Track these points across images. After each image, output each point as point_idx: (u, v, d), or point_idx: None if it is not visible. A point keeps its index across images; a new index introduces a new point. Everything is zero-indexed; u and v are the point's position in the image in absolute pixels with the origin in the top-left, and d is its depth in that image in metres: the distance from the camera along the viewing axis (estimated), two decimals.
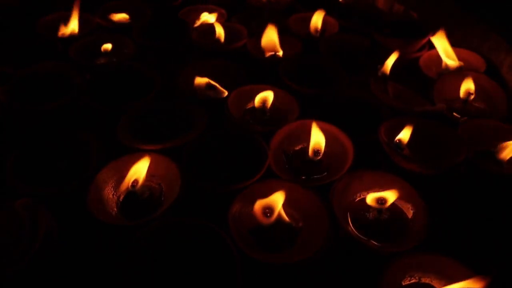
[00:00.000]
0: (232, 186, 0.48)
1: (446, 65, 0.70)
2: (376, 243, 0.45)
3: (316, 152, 0.53)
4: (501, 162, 0.54)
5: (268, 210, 0.46)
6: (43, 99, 0.62)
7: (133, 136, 0.57)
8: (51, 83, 0.67)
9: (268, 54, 0.73)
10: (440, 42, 0.70)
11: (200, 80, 0.63)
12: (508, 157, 0.53)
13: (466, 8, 0.71)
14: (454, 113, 0.63)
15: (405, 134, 0.53)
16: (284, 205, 0.46)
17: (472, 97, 0.63)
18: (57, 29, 0.79)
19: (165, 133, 0.59)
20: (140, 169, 0.51)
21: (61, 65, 0.69)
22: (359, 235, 0.46)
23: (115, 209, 0.50)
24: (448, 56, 0.70)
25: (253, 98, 0.62)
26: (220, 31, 0.77)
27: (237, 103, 0.62)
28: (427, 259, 0.42)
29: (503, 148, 0.53)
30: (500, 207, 0.51)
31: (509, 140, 0.53)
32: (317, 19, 0.80)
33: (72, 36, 0.77)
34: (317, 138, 0.53)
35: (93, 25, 0.81)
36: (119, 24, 0.82)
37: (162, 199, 0.51)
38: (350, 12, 0.88)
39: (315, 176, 0.54)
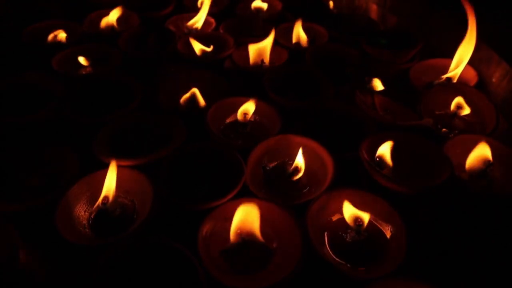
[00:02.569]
0: (205, 204, 0.47)
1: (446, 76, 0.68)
2: (351, 266, 0.43)
3: (296, 169, 0.51)
4: (488, 181, 0.52)
5: (241, 230, 0.44)
6: (22, 111, 0.61)
7: (110, 150, 0.55)
8: (32, 94, 0.66)
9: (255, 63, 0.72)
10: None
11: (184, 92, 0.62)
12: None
13: (458, 20, 0.69)
14: (441, 128, 0.61)
15: (385, 152, 0.51)
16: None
17: (461, 111, 0.61)
18: (44, 37, 0.78)
19: (143, 147, 0.57)
20: (109, 183, 0.49)
21: (42, 75, 0.68)
22: (334, 257, 0.44)
23: (87, 226, 0.49)
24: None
25: (234, 111, 0.61)
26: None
27: (218, 116, 0.61)
28: (402, 286, 0.40)
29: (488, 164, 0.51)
30: (485, 230, 0.49)
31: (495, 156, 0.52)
32: (297, 30, 0.78)
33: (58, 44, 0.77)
34: (299, 159, 0.51)
35: (79, 34, 0.80)
36: (106, 33, 0.81)
37: (135, 216, 0.50)
38: (341, 22, 0.86)
39: (294, 193, 0.52)
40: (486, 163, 0.52)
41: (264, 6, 0.90)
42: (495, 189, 0.52)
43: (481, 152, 0.53)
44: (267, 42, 0.70)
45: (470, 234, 0.48)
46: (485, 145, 0.53)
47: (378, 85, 0.66)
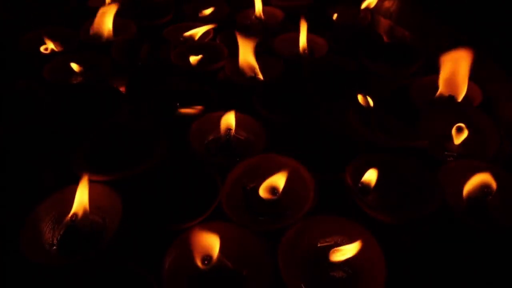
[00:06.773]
0: (173, 226, 0.44)
1: (440, 94, 0.64)
2: None
3: (273, 190, 0.48)
4: (484, 211, 0.47)
5: (207, 256, 0.42)
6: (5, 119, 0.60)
7: (88, 163, 0.54)
8: (20, 103, 0.65)
9: (248, 74, 0.69)
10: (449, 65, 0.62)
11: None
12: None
13: (466, 35, 0.65)
14: (442, 151, 0.57)
15: (370, 177, 0.47)
16: (229, 250, 0.42)
17: (460, 135, 0.57)
18: (41, 45, 0.78)
19: (122, 161, 0.55)
20: (80, 199, 0.47)
21: (32, 83, 0.67)
22: None
23: (54, 244, 0.47)
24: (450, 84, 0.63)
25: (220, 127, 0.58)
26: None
27: (202, 132, 0.58)
28: None
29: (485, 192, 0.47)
30: (478, 266, 0.44)
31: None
32: (303, 40, 0.75)
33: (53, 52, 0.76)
34: (273, 177, 0.48)
35: (75, 42, 0.79)
36: (102, 41, 0.80)
37: (105, 234, 0.48)
38: (343, 34, 0.82)
39: (273, 217, 0.49)
40: (486, 192, 0.48)
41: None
42: (493, 221, 0.47)
43: (481, 179, 0.49)
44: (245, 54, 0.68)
45: (460, 270, 0.44)
46: (487, 172, 0.49)
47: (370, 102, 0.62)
